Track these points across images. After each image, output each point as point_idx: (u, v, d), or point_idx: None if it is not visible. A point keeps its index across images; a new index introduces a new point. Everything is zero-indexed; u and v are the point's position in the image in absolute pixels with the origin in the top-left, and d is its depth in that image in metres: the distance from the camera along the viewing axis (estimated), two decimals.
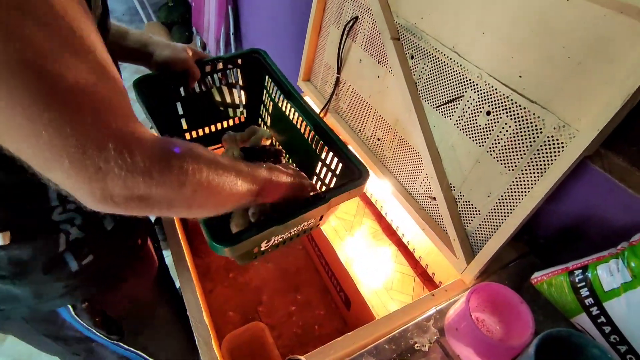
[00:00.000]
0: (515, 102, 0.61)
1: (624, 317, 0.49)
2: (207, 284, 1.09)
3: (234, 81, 0.87)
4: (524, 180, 0.61)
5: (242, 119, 0.95)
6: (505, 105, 0.62)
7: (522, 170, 0.62)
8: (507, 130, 0.63)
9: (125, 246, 0.65)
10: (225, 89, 0.88)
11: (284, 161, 0.83)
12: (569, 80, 0.54)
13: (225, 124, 0.93)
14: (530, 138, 0.60)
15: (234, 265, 1.13)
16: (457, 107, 0.70)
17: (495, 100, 0.64)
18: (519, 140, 0.61)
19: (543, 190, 0.57)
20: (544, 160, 0.58)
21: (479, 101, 0.66)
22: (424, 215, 0.81)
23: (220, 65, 0.82)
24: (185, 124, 0.87)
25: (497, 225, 0.67)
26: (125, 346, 0.71)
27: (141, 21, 3.20)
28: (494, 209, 0.67)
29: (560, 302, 0.58)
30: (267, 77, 0.85)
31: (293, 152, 0.86)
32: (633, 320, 0.48)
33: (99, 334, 0.65)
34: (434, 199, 0.78)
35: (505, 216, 0.65)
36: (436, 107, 0.75)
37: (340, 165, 0.68)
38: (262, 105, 0.92)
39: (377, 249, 1.18)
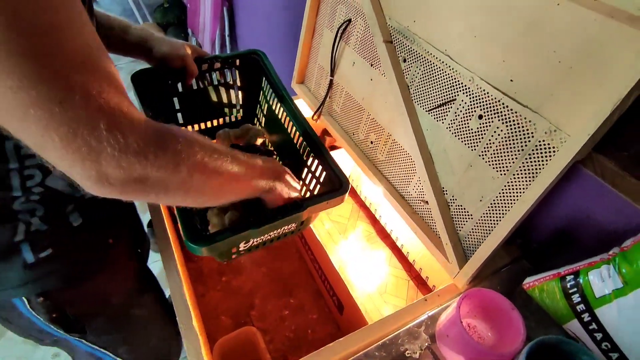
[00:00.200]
0: (507, 106, 0.60)
1: (615, 324, 0.49)
2: (200, 287, 1.08)
3: (231, 80, 0.87)
4: (516, 185, 0.61)
5: (239, 117, 0.95)
6: (497, 109, 0.62)
7: (514, 175, 0.61)
8: (498, 134, 0.62)
9: (92, 244, 0.63)
10: (222, 88, 0.88)
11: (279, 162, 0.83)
12: (560, 85, 0.53)
13: (221, 121, 0.94)
14: (521, 142, 0.59)
15: (227, 269, 1.12)
16: (449, 111, 0.70)
17: (487, 104, 0.63)
18: (510, 144, 0.61)
19: (535, 194, 0.57)
20: (535, 165, 0.58)
21: (470, 105, 0.66)
22: (416, 219, 0.81)
23: (218, 65, 0.82)
24: (181, 119, 0.87)
25: (489, 230, 0.66)
26: (89, 343, 0.70)
27: (137, 22, 3.18)
28: (486, 213, 0.67)
29: (552, 308, 0.58)
30: (264, 78, 0.85)
31: (283, 154, 0.86)
32: (624, 328, 0.48)
33: (57, 330, 0.63)
34: (427, 202, 0.78)
35: (497, 220, 0.65)
36: (428, 110, 0.74)
37: (324, 173, 0.68)
38: (258, 106, 0.92)
39: (371, 252, 1.17)
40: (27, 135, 0.29)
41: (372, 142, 0.92)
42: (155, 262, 1.08)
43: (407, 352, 0.60)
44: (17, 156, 0.48)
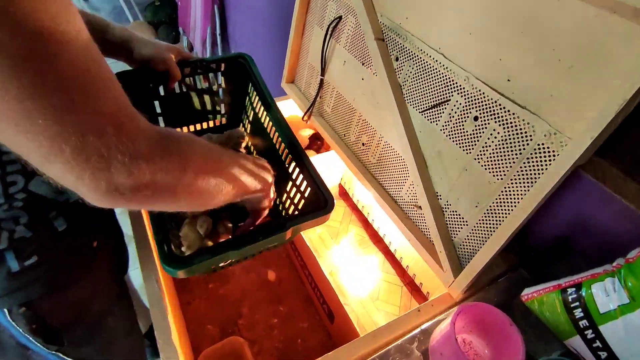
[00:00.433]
0: (504, 108, 0.57)
1: (622, 342, 0.45)
2: (186, 295, 1.04)
3: (216, 85, 0.84)
4: (514, 190, 0.58)
5: (224, 122, 0.92)
6: (493, 111, 0.58)
7: (511, 180, 0.58)
8: (495, 137, 0.59)
9: (77, 249, 0.62)
10: (206, 90, 0.84)
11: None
12: (560, 85, 0.50)
13: (205, 125, 0.90)
14: (519, 145, 0.56)
15: (214, 276, 1.08)
16: (443, 112, 0.67)
17: (482, 105, 0.60)
18: (507, 147, 0.57)
19: (533, 201, 0.54)
20: (534, 169, 0.55)
21: (466, 106, 0.62)
22: (409, 225, 0.77)
23: (203, 68, 0.79)
24: (162, 123, 0.83)
25: (485, 237, 0.63)
26: (65, 357, 0.67)
27: (127, 20, 3.14)
28: (482, 220, 0.63)
29: (552, 322, 0.55)
30: (250, 84, 0.82)
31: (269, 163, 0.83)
32: (631, 347, 0.45)
33: (35, 342, 0.60)
34: (420, 207, 0.74)
35: (493, 228, 0.62)
36: (421, 111, 0.71)
37: (310, 190, 0.65)
38: (244, 111, 0.89)
39: (363, 258, 1.14)
40: (33, 147, 0.28)
41: (363, 144, 0.89)
42: (133, 270, 1.03)
43: None
44: None
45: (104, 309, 0.72)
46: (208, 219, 0.69)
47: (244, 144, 0.84)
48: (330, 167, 1.18)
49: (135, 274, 0.87)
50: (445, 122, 0.66)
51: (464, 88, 0.62)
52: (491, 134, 0.59)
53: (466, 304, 0.52)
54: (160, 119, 0.82)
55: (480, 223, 0.64)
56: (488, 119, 0.59)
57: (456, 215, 0.68)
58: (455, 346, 0.48)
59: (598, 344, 0.48)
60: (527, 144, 0.55)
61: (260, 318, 1.00)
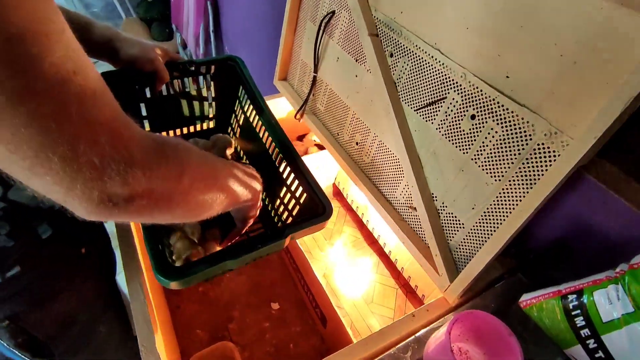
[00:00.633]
0: (502, 106, 0.54)
1: (626, 353, 0.43)
2: (175, 299, 1.01)
3: (205, 87, 0.81)
4: (512, 192, 0.55)
5: (211, 126, 0.89)
6: (491, 109, 0.56)
7: (509, 181, 0.55)
8: (493, 136, 0.56)
9: (63, 256, 0.59)
10: (194, 95, 0.82)
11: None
12: (562, 82, 0.48)
13: (192, 129, 0.88)
14: (518, 145, 0.53)
15: None
16: (439, 110, 0.64)
17: (480, 103, 0.57)
18: (506, 147, 0.55)
19: (532, 204, 0.51)
20: (534, 171, 0.52)
21: (462, 104, 0.60)
22: (404, 227, 0.75)
23: (191, 70, 0.76)
24: (148, 126, 0.80)
25: (482, 241, 0.61)
26: None
27: (119, 17, 3.09)
28: (479, 223, 0.61)
29: (552, 330, 0.52)
30: (241, 87, 0.79)
31: (259, 168, 0.81)
32: (636, 359, 0.42)
33: (22, 357, 0.58)
34: (415, 209, 0.72)
35: (491, 231, 0.59)
36: (417, 109, 0.68)
37: (305, 195, 0.64)
38: (234, 115, 0.86)
39: (357, 259, 1.11)
40: (16, 159, 0.25)
41: (357, 144, 0.86)
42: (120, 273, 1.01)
43: None
44: None
45: (94, 317, 0.70)
46: (198, 225, 0.66)
47: (230, 151, 0.82)
48: (324, 166, 1.15)
49: (123, 277, 0.84)
50: (441, 120, 0.64)
51: (460, 85, 0.60)
52: (489, 133, 0.57)
53: (462, 313, 0.49)
54: (146, 122, 0.79)
55: (477, 226, 0.61)
56: (486, 118, 0.57)
57: (452, 217, 0.66)
58: (451, 356, 0.45)
59: (600, 354, 0.46)
60: (527, 144, 0.52)
61: (252, 322, 0.98)
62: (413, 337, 0.58)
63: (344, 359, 0.59)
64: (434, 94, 0.64)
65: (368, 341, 0.62)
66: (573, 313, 0.49)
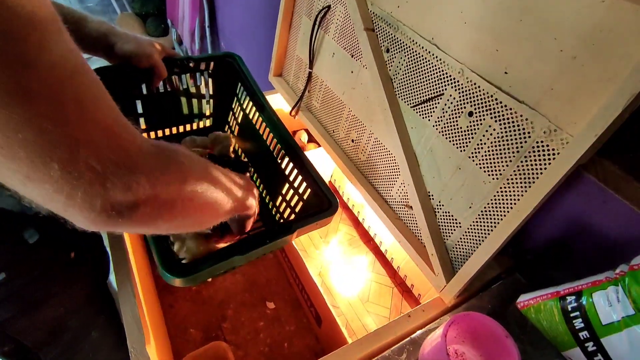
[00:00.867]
0: (500, 102, 0.53)
1: (626, 357, 0.42)
2: (168, 297, 0.99)
3: (203, 85, 0.79)
4: (510, 191, 0.54)
5: (208, 123, 0.88)
6: (489, 105, 0.55)
7: (507, 180, 0.54)
8: (490, 134, 0.55)
9: (52, 262, 0.57)
10: (192, 93, 0.80)
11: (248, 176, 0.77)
12: (562, 78, 0.46)
13: (188, 127, 0.86)
14: (517, 143, 0.52)
15: None
16: (436, 107, 0.63)
17: (478, 100, 0.56)
18: (504, 145, 0.54)
19: (531, 203, 0.50)
20: (532, 169, 0.51)
21: (460, 100, 0.59)
22: (400, 226, 0.73)
23: (189, 67, 0.74)
24: (144, 124, 0.79)
25: (479, 241, 0.60)
26: None
27: (114, 12, 3.06)
28: (476, 222, 0.60)
29: (550, 332, 0.51)
30: (239, 85, 0.78)
31: (259, 166, 0.80)
32: None
33: None
34: (411, 207, 0.70)
35: (488, 230, 0.58)
36: (413, 106, 0.67)
37: (309, 191, 0.63)
38: (231, 113, 0.85)
39: (353, 258, 1.10)
40: (12, 167, 0.23)
41: (353, 141, 0.85)
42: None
43: None
44: None
45: (86, 323, 0.68)
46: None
47: (232, 148, 0.81)
48: (320, 164, 1.14)
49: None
50: (438, 117, 0.63)
51: (458, 81, 0.58)
52: (486, 131, 0.56)
53: (459, 314, 0.48)
54: (142, 119, 0.78)
55: (474, 225, 0.60)
56: (483, 115, 0.56)
57: (449, 216, 0.64)
58: (447, 359, 0.44)
59: (600, 357, 0.45)
60: (525, 142, 0.51)
61: (246, 321, 0.97)
62: (408, 338, 0.57)
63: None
64: (430, 90, 0.63)
65: (363, 342, 0.61)
66: (572, 315, 0.48)
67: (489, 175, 0.56)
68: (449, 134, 0.61)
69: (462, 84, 0.58)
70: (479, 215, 0.59)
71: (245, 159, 0.84)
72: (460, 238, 0.63)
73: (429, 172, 0.66)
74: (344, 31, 0.79)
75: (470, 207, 0.60)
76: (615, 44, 0.41)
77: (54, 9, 0.24)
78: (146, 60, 0.63)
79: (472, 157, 0.58)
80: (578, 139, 0.45)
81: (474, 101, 0.56)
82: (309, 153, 1.09)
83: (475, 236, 0.60)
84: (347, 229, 1.17)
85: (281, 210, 0.73)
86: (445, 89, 0.60)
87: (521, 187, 0.53)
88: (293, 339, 0.95)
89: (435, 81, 0.62)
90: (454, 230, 0.64)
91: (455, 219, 0.63)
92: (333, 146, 0.89)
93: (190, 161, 0.36)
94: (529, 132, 0.50)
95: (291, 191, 0.68)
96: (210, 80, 0.80)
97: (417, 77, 0.65)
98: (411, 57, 0.65)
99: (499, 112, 0.53)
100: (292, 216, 0.69)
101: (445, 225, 0.65)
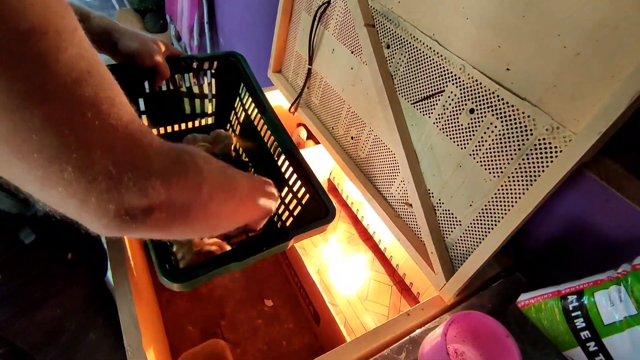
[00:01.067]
0: (502, 99, 0.52)
1: (628, 358, 0.42)
2: (165, 293, 0.99)
3: (206, 84, 0.79)
4: (511, 189, 0.54)
5: (210, 121, 0.88)
6: (491, 102, 0.54)
7: (509, 177, 0.54)
8: (492, 131, 0.55)
9: (49, 263, 0.56)
10: (195, 92, 0.80)
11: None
12: (565, 74, 0.46)
13: (190, 125, 0.86)
14: (518, 140, 0.51)
15: None
16: (437, 104, 0.62)
17: (479, 96, 0.55)
18: (505, 142, 0.53)
19: (532, 201, 0.50)
20: (534, 167, 0.50)
21: (461, 97, 0.58)
22: (400, 224, 0.73)
23: (193, 66, 0.74)
24: (145, 121, 0.78)
25: (479, 239, 0.59)
26: None
27: (113, 7, 3.04)
28: (477, 220, 0.59)
29: (551, 332, 0.51)
30: (242, 85, 0.77)
31: (259, 167, 0.79)
32: None
33: None
34: (411, 205, 0.70)
35: (489, 229, 0.57)
36: (414, 103, 0.66)
37: (308, 196, 0.63)
38: (233, 112, 0.85)
39: (352, 256, 1.10)
40: (26, 169, 0.23)
41: (352, 138, 0.84)
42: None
43: None
44: None
45: (84, 324, 0.67)
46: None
47: (233, 146, 0.80)
48: (319, 161, 1.13)
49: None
50: (438, 114, 0.62)
51: (459, 78, 0.58)
52: (488, 128, 0.55)
53: (459, 314, 0.48)
54: (144, 117, 0.78)
55: (474, 223, 0.60)
56: (485, 112, 0.55)
57: (449, 214, 0.64)
58: (447, 358, 0.44)
59: (601, 357, 0.44)
60: (527, 139, 0.51)
61: (244, 319, 0.96)
62: (408, 337, 0.56)
63: (337, 359, 0.58)
64: (431, 86, 0.62)
65: (361, 340, 0.60)
66: (573, 314, 0.47)
67: (490, 173, 0.56)
68: (449, 131, 0.61)
69: (463, 81, 0.57)
70: (479, 213, 0.58)
71: (246, 159, 0.83)
72: (461, 236, 0.62)
73: (429, 169, 0.66)
74: (344, 27, 0.78)
75: (470, 205, 0.60)
76: (619, 41, 0.41)
77: (68, 5, 0.24)
78: (150, 60, 0.63)
79: (473, 154, 0.58)
80: (581, 137, 0.44)
81: (475, 98, 0.56)
82: (308, 150, 1.08)
83: (476, 234, 0.60)
84: (346, 226, 1.17)
85: (279, 212, 0.73)
86: (446, 86, 0.60)
87: (522, 185, 0.52)
88: (292, 337, 0.95)
89: (436, 78, 0.61)
90: (454, 228, 0.63)
91: (456, 217, 0.63)
92: (332, 143, 0.89)
93: (209, 165, 0.34)
94: (531, 130, 0.50)
95: (290, 195, 0.68)
96: (213, 80, 0.80)
97: (417, 73, 0.64)
98: (412, 53, 0.65)
99: (500, 109, 0.53)
100: (290, 219, 0.69)
101: (445, 224, 0.65)
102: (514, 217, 0.52)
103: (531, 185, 0.51)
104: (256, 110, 0.74)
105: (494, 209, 0.56)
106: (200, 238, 0.64)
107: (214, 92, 0.82)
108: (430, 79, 0.62)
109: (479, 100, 0.55)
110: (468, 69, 0.56)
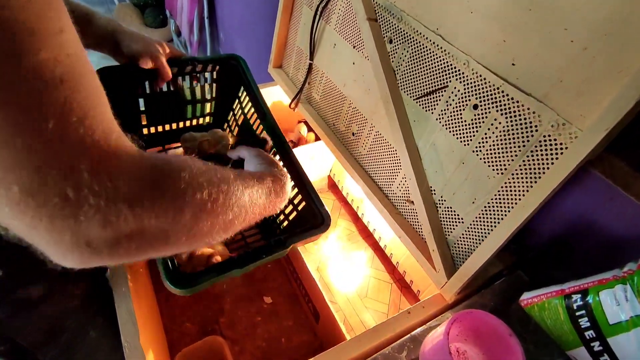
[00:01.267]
0: (507, 95, 0.51)
1: (634, 358, 0.41)
2: (164, 290, 0.98)
3: (206, 86, 0.80)
4: (515, 186, 0.53)
5: (207, 120, 0.88)
6: (495, 98, 0.53)
7: (512, 175, 0.53)
8: (496, 127, 0.54)
9: (45, 260, 0.55)
10: (195, 93, 0.80)
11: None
12: (572, 70, 0.45)
13: (188, 123, 0.86)
14: (523, 137, 0.51)
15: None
16: (440, 99, 0.61)
17: (483, 92, 0.54)
18: (509, 139, 0.52)
19: (536, 199, 0.49)
20: (539, 164, 0.50)
21: (465, 93, 0.57)
22: (401, 221, 0.72)
23: (196, 68, 0.74)
24: (144, 120, 0.80)
25: (482, 237, 0.58)
26: None
27: (112, 3, 3.01)
28: (479, 218, 0.58)
29: (554, 331, 0.50)
30: (242, 88, 0.78)
31: None
32: None
33: None
34: (412, 202, 0.69)
35: (491, 227, 0.57)
36: (416, 98, 0.65)
37: (304, 204, 0.65)
38: (232, 114, 0.85)
39: (352, 253, 1.09)
40: None
41: (353, 134, 0.83)
42: None
43: None
44: None
45: (84, 322, 0.67)
46: None
47: (229, 147, 0.80)
48: (319, 157, 1.12)
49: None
50: (441, 110, 0.61)
51: (463, 73, 0.57)
52: (492, 124, 0.54)
53: (461, 312, 0.47)
54: (143, 116, 0.78)
55: (476, 221, 0.59)
56: (489, 108, 0.54)
57: (451, 211, 0.63)
58: (448, 357, 0.43)
59: (606, 357, 0.44)
60: (532, 136, 0.50)
61: (243, 315, 0.95)
62: (409, 335, 0.56)
63: (336, 357, 0.57)
64: (434, 82, 0.61)
65: (362, 338, 0.60)
66: (577, 313, 0.47)
67: (493, 170, 0.55)
68: (452, 127, 0.60)
69: (467, 76, 0.56)
70: (482, 210, 0.58)
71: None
72: (463, 234, 0.61)
73: (432, 166, 0.65)
74: (346, 21, 0.77)
75: (473, 203, 0.59)
76: (628, 35, 0.40)
77: (60, 8, 0.22)
78: (152, 62, 0.63)
79: (476, 151, 0.57)
80: (588, 133, 0.43)
81: (480, 93, 0.55)
82: (308, 146, 1.07)
83: (478, 232, 0.59)
84: (346, 224, 1.16)
85: (276, 215, 0.73)
86: (450, 81, 0.59)
87: (527, 182, 0.51)
88: (291, 334, 0.94)
89: (439, 73, 0.60)
90: (456, 225, 0.62)
91: (458, 215, 0.62)
92: (333, 139, 0.88)
93: (194, 182, 0.29)
94: (536, 126, 0.49)
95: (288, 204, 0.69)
96: (214, 86, 0.81)
97: (420, 68, 0.63)
98: (415, 48, 0.64)
99: (505, 104, 0.52)
100: (285, 223, 0.71)
101: (447, 221, 0.64)
102: (517, 215, 0.51)
103: (535, 182, 0.50)
104: (256, 115, 0.75)
105: (497, 207, 0.56)
106: None
107: (214, 94, 0.83)
108: (433, 74, 0.61)
109: (483, 96, 0.54)
110: (472, 64, 0.55)
